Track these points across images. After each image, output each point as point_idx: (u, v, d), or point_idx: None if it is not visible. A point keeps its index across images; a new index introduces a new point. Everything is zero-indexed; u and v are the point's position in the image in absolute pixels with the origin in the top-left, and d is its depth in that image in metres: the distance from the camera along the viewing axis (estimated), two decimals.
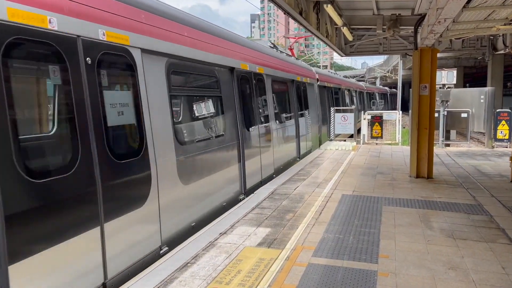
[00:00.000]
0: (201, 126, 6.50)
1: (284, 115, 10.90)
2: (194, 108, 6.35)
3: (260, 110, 8.84)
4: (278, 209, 6.53)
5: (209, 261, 4.48)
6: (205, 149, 6.19)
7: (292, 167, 10.48)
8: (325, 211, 6.38)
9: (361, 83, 36.58)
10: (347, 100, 23.58)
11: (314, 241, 5.05)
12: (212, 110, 6.60)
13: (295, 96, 11.94)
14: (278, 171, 9.82)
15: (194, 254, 4.68)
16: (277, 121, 10.00)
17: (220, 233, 5.37)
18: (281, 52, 12.60)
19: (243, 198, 7.39)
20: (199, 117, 6.39)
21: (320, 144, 15.30)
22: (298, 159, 11.97)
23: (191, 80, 6.45)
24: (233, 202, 7.08)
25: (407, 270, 4.22)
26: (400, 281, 3.98)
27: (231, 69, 7.39)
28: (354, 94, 26.62)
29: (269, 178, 9.08)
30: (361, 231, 5.44)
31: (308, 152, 13.34)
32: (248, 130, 7.95)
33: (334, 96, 19.35)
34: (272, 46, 12.09)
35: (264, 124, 8.99)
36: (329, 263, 4.41)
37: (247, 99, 8.15)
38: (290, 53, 16.44)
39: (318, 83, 15.85)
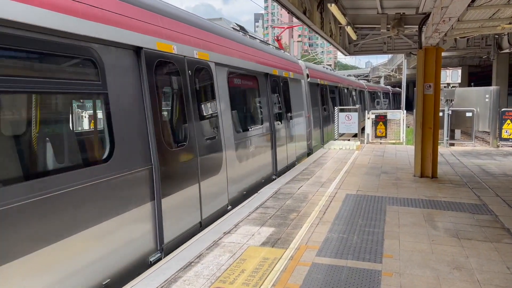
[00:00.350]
0: (50, 145, 3.72)
1: (249, 120, 8.55)
2: (32, 112, 3.46)
3: (203, 116, 6.17)
4: (282, 208, 6.54)
5: (213, 261, 4.49)
6: (65, 186, 3.54)
7: (296, 166, 10.46)
8: (329, 210, 6.37)
9: (361, 81, 36.48)
10: (346, 100, 22.40)
11: (318, 241, 5.05)
12: (82, 118, 4.04)
13: (270, 95, 9.47)
14: (237, 201, 7.26)
15: (198, 253, 4.70)
16: (236, 130, 7.39)
17: (224, 233, 5.39)
18: (252, 37, 9.75)
19: (159, 259, 4.85)
20: (41, 129, 3.59)
21: (310, 153, 13.35)
22: (274, 176, 9.57)
23: (28, 64, 3.44)
24: (138, 267, 4.53)
25: (411, 270, 4.21)
26: (405, 281, 3.98)
27: (136, 50, 4.75)
28: (354, 93, 26.28)
29: (220, 213, 6.52)
30: (365, 230, 5.43)
31: (291, 165, 10.97)
32: (173, 147, 5.29)
33: (330, 95, 17.78)
34: (237, 28, 9.34)
35: (209, 136, 6.25)
36: (333, 262, 4.41)
37: (172, 99, 5.59)
38: (267, 42, 13.25)
39: (309, 79, 13.95)
